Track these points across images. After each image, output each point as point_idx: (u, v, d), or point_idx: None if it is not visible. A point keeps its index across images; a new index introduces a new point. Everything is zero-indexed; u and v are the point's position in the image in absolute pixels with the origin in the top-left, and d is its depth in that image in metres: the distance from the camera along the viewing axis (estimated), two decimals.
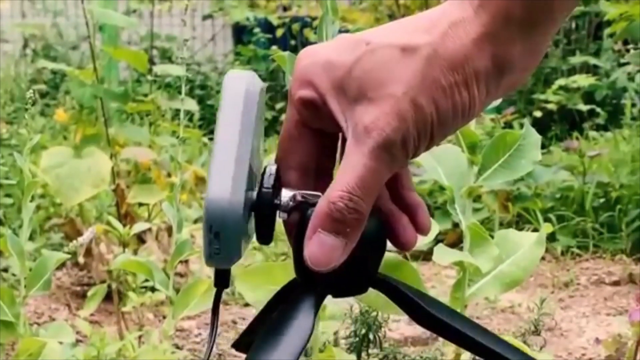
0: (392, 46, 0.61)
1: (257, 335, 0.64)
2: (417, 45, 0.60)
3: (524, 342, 2.27)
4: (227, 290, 2.93)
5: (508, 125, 4.77)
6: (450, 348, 1.54)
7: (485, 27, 0.60)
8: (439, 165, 1.33)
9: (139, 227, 2.39)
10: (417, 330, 2.63)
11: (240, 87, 0.62)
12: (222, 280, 0.64)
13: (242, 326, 2.66)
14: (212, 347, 0.67)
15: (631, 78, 5.41)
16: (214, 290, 0.66)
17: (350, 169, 0.60)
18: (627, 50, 5.67)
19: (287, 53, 1.24)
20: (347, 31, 1.30)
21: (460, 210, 1.35)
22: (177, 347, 2.52)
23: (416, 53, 0.60)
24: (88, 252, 2.78)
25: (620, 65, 5.74)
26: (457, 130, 0.64)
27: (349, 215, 0.60)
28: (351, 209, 0.60)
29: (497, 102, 1.34)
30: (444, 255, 1.37)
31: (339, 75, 0.61)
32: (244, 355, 0.64)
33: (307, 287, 0.63)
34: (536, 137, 1.31)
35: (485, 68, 0.60)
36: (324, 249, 0.61)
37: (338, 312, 1.60)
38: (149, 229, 2.78)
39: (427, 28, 0.61)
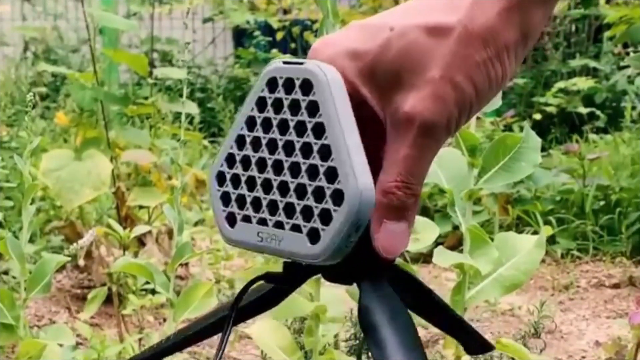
0: (420, 28, 0.61)
1: None
2: (447, 24, 0.60)
3: (524, 344, 2.27)
4: (227, 293, 2.92)
5: (508, 128, 4.77)
6: (450, 350, 1.54)
7: (513, 2, 0.61)
8: (439, 168, 1.33)
9: (139, 229, 2.39)
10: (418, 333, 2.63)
11: (333, 77, 0.61)
12: (296, 277, 0.66)
13: (242, 329, 2.66)
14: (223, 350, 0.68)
15: (631, 81, 5.41)
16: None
17: (399, 159, 0.61)
18: (627, 54, 5.67)
19: (288, 56, 1.24)
20: None
21: (460, 213, 1.35)
22: None
23: (448, 33, 0.60)
24: (88, 255, 2.78)
25: (620, 68, 5.75)
26: (491, 100, 0.66)
27: (409, 200, 0.62)
28: (409, 194, 0.62)
29: (497, 105, 1.34)
30: (444, 257, 1.37)
31: (367, 62, 0.61)
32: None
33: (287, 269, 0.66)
34: (536, 140, 1.31)
35: (513, 38, 0.61)
36: (394, 236, 0.62)
37: (338, 314, 1.60)
38: (149, 232, 2.78)
39: (450, 6, 0.61)
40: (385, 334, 0.61)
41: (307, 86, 0.61)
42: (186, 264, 2.87)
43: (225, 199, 0.65)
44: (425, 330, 2.66)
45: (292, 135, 0.62)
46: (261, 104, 0.63)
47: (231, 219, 0.65)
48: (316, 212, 0.61)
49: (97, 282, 2.72)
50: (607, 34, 4.91)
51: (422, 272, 3.16)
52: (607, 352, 2.22)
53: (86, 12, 2.84)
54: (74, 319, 2.71)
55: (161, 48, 6.39)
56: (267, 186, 0.63)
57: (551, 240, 3.43)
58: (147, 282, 2.45)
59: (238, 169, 0.64)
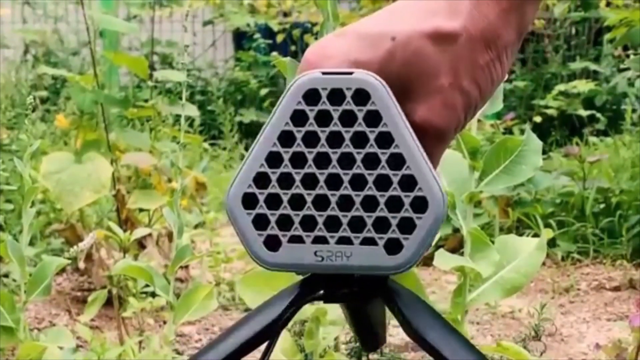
0: (423, 35, 0.60)
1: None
2: (451, 30, 0.60)
3: (525, 347, 2.27)
4: (228, 295, 2.92)
5: (508, 130, 4.77)
6: None
7: (512, 3, 0.61)
8: (440, 171, 1.33)
9: (139, 232, 2.39)
10: None
11: (386, 85, 0.60)
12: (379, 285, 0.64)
13: None
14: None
15: (631, 84, 5.42)
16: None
17: None
18: (627, 56, 5.67)
19: (288, 59, 1.24)
20: None
21: (461, 216, 1.35)
22: (178, 352, 2.52)
23: (453, 39, 0.60)
24: (88, 258, 2.78)
25: (620, 70, 5.75)
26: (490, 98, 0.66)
27: None
28: None
29: (498, 108, 1.34)
30: (444, 260, 1.37)
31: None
32: None
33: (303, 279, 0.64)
34: (537, 143, 1.31)
35: (512, 38, 0.62)
36: None
37: (339, 317, 1.60)
38: (150, 235, 2.77)
39: (450, 10, 0.61)
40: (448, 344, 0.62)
41: (361, 96, 0.60)
42: (186, 267, 2.87)
43: (260, 222, 0.61)
44: None
45: (349, 148, 0.60)
46: (299, 117, 0.60)
47: (272, 243, 0.61)
48: (394, 222, 0.60)
49: (97, 285, 2.72)
50: (607, 36, 4.91)
51: (422, 275, 3.16)
52: (607, 354, 2.21)
53: (86, 15, 2.84)
54: (74, 321, 2.70)
55: (161, 51, 6.40)
56: (321, 203, 0.60)
57: (551, 242, 3.43)
58: (147, 285, 2.45)
59: (275, 189, 0.61)
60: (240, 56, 6.74)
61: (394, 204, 0.60)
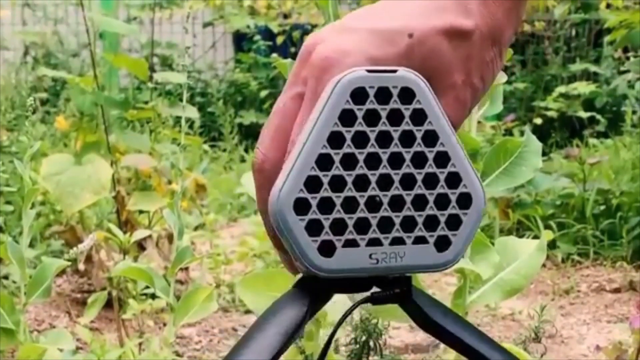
0: (439, 32, 0.61)
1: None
2: (466, 28, 0.61)
3: (525, 349, 2.27)
4: (228, 297, 2.92)
5: (508, 132, 4.77)
6: (451, 355, 1.53)
7: (512, 0, 0.63)
8: None
9: (139, 234, 2.39)
10: (418, 337, 2.63)
11: (426, 85, 0.60)
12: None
13: (243, 334, 2.65)
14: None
15: (631, 86, 5.42)
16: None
17: None
18: (627, 58, 5.67)
19: (289, 60, 1.24)
20: None
21: None
22: (178, 354, 2.52)
23: (467, 36, 0.61)
24: (88, 259, 2.78)
25: (621, 73, 5.75)
26: None
27: None
28: None
29: (498, 109, 1.34)
30: None
31: None
32: None
33: (303, 284, 0.63)
34: (537, 145, 1.31)
35: (510, 35, 0.64)
36: None
37: (339, 319, 1.60)
38: (150, 236, 2.77)
39: (461, 7, 0.61)
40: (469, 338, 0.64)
41: (407, 94, 0.59)
42: (186, 268, 2.87)
43: (312, 227, 0.59)
44: (426, 334, 2.65)
45: (398, 147, 0.59)
46: (347, 117, 0.59)
47: (327, 248, 0.59)
48: (442, 219, 0.60)
49: (97, 287, 2.72)
50: (607, 38, 4.91)
51: (422, 276, 3.15)
52: (607, 356, 2.21)
53: (86, 17, 2.84)
54: (74, 323, 2.70)
55: (161, 52, 6.40)
56: (373, 204, 0.60)
57: (552, 244, 3.43)
58: (147, 287, 2.45)
59: (327, 192, 0.59)
60: (241, 58, 6.73)
61: (442, 202, 0.60)
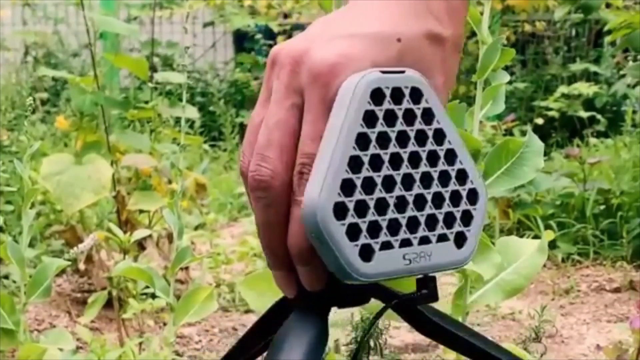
0: (422, 36, 0.63)
1: None
2: (441, 34, 0.63)
3: (525, 349, 2.27)
4: (228, 297, 2.92)
5: (509, 132, 4.77)
6: (451, 355, 1.53)
7: (467, 9, 0.66)
8: None
9: (139, 233, 2.39)
10: (418, 337, 2.63)
11: (429, 85, 0.61)
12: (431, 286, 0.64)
13: (243, 333, 2.65)
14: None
15: (632, 86, 5.42)
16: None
17: None
18: (626, 58, 5.67)
19: None
20: None
21: None
22: (178, 354, 2.52)
23: (443, 42, 0.63)
24: (88, 259, 2.78)
25: (620, 77, 5.75)
26: None
27: None
28: None
29: (499, 109, 1.34)
30: None
31: None
32: None
33: (309, 303, 0.62)
34: (539, 145, 1.31)
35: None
36: None
37: (339, 319, 1.60)
38: (150, 236, 2.77)
39: (431, 14, 0.63)
40: None
41: (416, 94, 0.60)
42: (186, 268, 2.87)
43: (352, 232, 0.58)
44: None
45: (415, 146, 0.60)
46: (370, 118, 0.58)
47: (366, 253, 0.58)
48: (458, 216, 0.61)
49: (98, 286, 2.72)
50: (607, 39, 4.91)
51: None
52: (608, 356, 2.21)
53: (87, 17, 2.84)
54: (74, 323, 2.70)
55: (162, 52, 6.39)
56: (401, 204, 0.59)
57: (552, 244, 3.43)
58: (147, 287, 2.45)
59: (362, 195, 0.58)
60: (241, 59, 6.74)
61: (455, 198, 0.61)
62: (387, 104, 0.59)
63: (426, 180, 0.60)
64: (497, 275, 1.38)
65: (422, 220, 0.60)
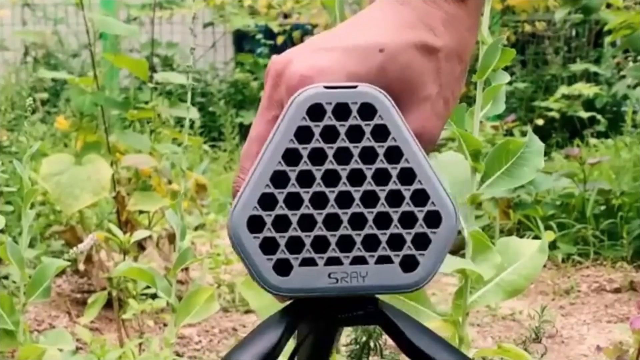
0: (409, 46, 0.62)
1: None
2: (432, 44, 0.62)
3: (525, 349, 2.26)
4: (228, 297, 2.91)
5: (509, 132, 4.76)
6: None
7: (474, 19, 0.64)
8: (441, 172, 1.32)
9: (139, 234, 2.38)
10: None
11: (389, 100, 0.59)
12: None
13: (243, 334, 2.65)
14: None
15: (632, 86, 5.42)
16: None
17: None
18: (626, 59, 5.67)
19: None
20: None
21: (462, 218, 1.34)
22: (178, 354, 2.52)
23: (436, 52, 0.62)
24: (88, 260, 2.78)
25: (621, 77, 5.75)
26: None
27: None
28: None
29: (500, 110, 1.34)
30: (446, 262, 1.36)
31: None
32: None
33: (279, 313, 0.62)
34: (539, 145, 1.31)
35: (472, 48, 0.66)
36: None
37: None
38: (150, 237, 2.77)
39: (425, 25, 0.62)
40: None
41: (367, 110, 0.58)
42: (186, 269, 2.87)
43: (268, 245, 0.58)
44: None
45: (358, 164, 0.58)
46: (303, 134, 0.58)
47: (282, 267, 0.58)
48: (409, 238, 0.59)
49: (97, 287, 2.72)
50: (608, 39, 4.91)
51: None
52: (608, 356, 2.21)
53: (86, 17, 2.84)
54: (74, 323, 2.70)
55: (162, 52, 6.40)
56: (332, 222, 0.58)
57: (552, 244, 3.43)
58: (147, 287, 2.45)
59: (282, 210, 0.57)
60: (241, 60, 6.74)
61: (408, 220, 0.59)
62: (328, 120, 0.58)
63: (370, 199, 0.58)
64: (498, 276, 1.37)
65: (358, 239, 0.58)
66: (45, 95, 5.37)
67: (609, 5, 4.27)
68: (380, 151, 0.58)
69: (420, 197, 0.59)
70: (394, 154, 0.58)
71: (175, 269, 1.67)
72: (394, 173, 0.58)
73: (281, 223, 0.58)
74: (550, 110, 5.55)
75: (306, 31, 6.46)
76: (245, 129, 5.85)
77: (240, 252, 0.58)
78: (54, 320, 2.76)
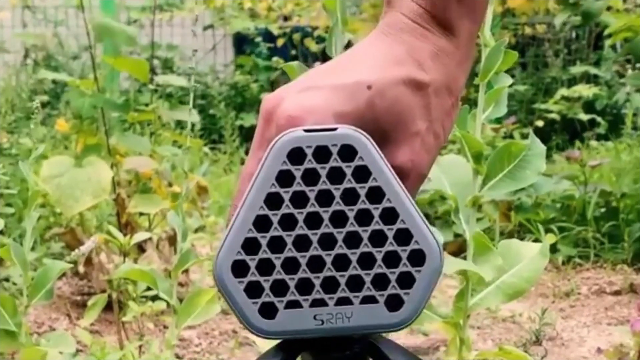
0: (397, 82, 0.62)
1: None
2: (420, 80, 0.62)
3: (525, 351, 2.26)
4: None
5: (509, 135, 4.77)
6: (452, 357, 1.53)
7: (466, 53, 0.64)
8: (443, 174, 1.32)
9: (139, 236, 2.38)
10: (418, 340, 2.63)
11: (371, 139, 0.59)
12: None
13: (243, 336, 2.65)
14: None
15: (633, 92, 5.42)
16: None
17: None
18: (628, 61, 5.68)
19: (295, 63, 1.23)
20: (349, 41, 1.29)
21: (464, 220, 1.34)
22: (178, 356, 2.52)
23: (424, 87, 0.62)
24: (88, 262, 2.78)
25: (621, 76, 5.76)
26: None
27: None
28: None
29: (501, 112, 1.34)
30: (447, 264, 1.36)
31: (353, 124, 0.61)
32: None
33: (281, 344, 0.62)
34: (541, 148, 1.31)
35: (464, 82, 0.65)
36: None
37: None
38: (150, 239, 2.77)
39: (413, 61, 0.62)
40: None
41: (347, 152, 0.59)
42: (187, 271, 2.87)
43: (252, 289, 0.59)
44: (425, 337, 2.65)
45: (340, 205, 0.58)
46: (284, 178, 0.59)
47: (267, 310, 0.59)
48: (393, 278, 0.59)
49: (97, 289, 2.72)
50: (608, 42, 4.92)
51: None
52: (608, 358, 2.21)
53: (87, 19, 2.84)
54: (74, 325, 2.70)
55: (162, 55, 6.40)
56: (316, 264, 0.59)
57: (552, 247, 3.42)
58: (148, 289, 2.45)
59: (266, 254, 0.58)
60: (241, 62, 6.74)
61: (391, 260, 0.59)
62: (309, 163, 0.58)
63: (353, 240, 0.59)
64: (499, 278, 1.38)
65: (343, 281, 0.59)
66: (45, 98, 5.37)
67: (608, 8, 4.27)
68: (362, 192, 0.59)
69: (404, 236, 0.59)
70: (376, 194, 0.59)
71: (177, 270, 1.67)
72: (376, 213, 0.59)
73: (265, 266, 0.59)
74: (550, 112, 5.55)
75: (306, 33, 6.46)
76: (245, 131, 5.85)
77: (225, 296, 0.59)
78: (54, 323, 2.76)
